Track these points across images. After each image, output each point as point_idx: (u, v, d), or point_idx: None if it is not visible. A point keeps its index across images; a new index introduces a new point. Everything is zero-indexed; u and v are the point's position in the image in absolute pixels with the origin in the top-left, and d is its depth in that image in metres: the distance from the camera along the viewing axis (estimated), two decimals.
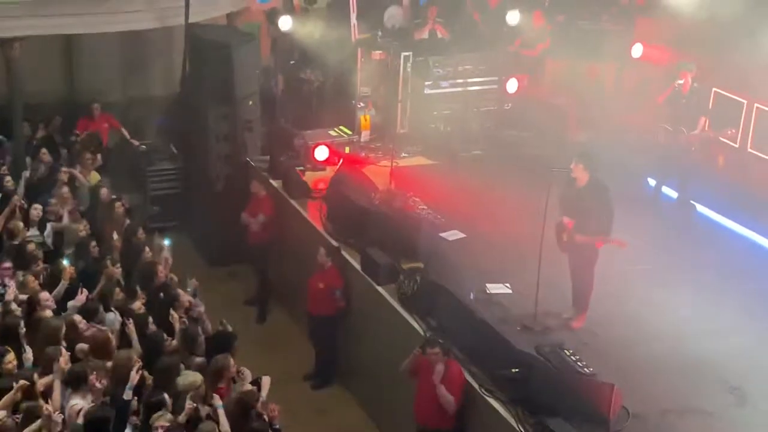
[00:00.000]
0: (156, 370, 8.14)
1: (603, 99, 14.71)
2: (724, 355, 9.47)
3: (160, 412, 7.56)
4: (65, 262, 9.96)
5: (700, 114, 12.43)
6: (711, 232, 12.21)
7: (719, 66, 13.26)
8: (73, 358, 8.21)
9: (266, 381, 8.40)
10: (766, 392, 8.96)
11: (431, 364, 8.77)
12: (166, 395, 7.73)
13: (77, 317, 8.81)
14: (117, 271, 10.04)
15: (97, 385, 7.72)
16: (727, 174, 12.98)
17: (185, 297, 9.62)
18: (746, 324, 10.01)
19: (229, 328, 9.11)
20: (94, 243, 10.52)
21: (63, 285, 9.59)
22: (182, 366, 8.33)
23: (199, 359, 8.63)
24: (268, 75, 15.38)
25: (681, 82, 12.36)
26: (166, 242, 10.89)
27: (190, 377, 8.02)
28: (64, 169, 12.46)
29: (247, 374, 8.45)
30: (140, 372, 7.75)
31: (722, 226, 12.36)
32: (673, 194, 12.86)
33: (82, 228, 10.72)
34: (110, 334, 8.59)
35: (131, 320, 8.85)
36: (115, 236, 10.75)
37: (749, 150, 12.92)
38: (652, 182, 13.11)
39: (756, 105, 12.76)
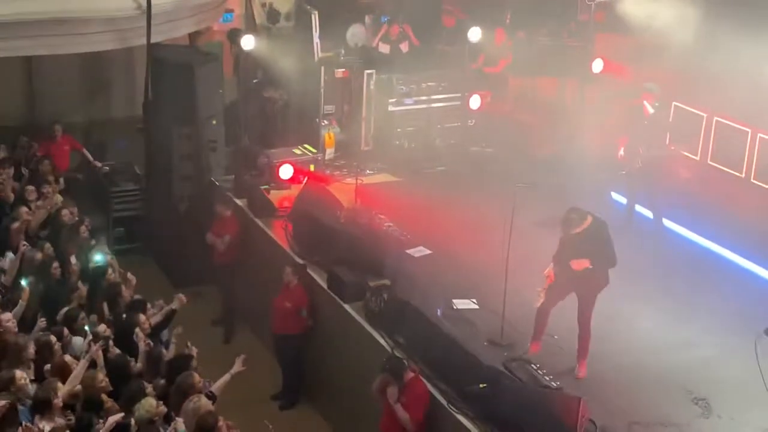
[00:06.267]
0: (124, 393, 8.05)
1: (565, 114, 14.83)
2: (689, 366, 9.56)
3: None
4: (24, 283, 9.86)
5: (661, 134, 12.50)
6: (674, 244, 12.31)
7: (679, 80, 13.42)
8: (42, 379, 8.14)
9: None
10: (730, 403, 9.04)
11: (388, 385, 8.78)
12: (132, 421, 7.64)
13: (53, 337, 8.71)
14: (84, 292, 9.97)
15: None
16: (688, 187, 13.11)
17: (143, 319, 9.55)
18: (710, 335, 10.10)
19: (194, 351, 9.03)
20: (56, 265, 10.41)
21: (21, 306, 9.49)
22: (149, 387, 8.25)
23: (161, 381, 8.57)
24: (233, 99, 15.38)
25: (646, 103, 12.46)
26: (98, 257, 10.73)
27: (145, 404, 7.89)
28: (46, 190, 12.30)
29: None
30: (118, 420, 7.62)
31: (684, 238, 12.47)
32: (643, 210, 12.93)
33: (41, 255, 10.57)
34: (69, 358, 8.50)
35: (97, 343, 8.75)
36: (74, 260, 10.64)
37: (709, 162, 13.07)
38: (616, 197, 13.21)
39: (715, 118, 12.92)
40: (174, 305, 9.84)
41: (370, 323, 10.07)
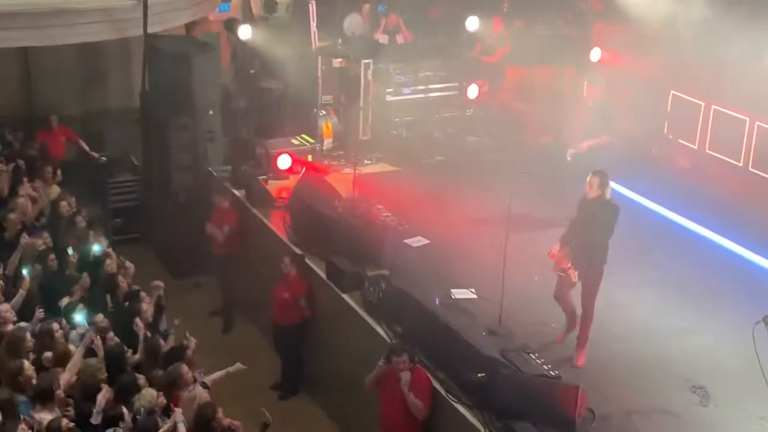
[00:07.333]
0: (116, 385, 8.06)
1: (562, 104, 14.81)
2: (687, 354, 9.57)
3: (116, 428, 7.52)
4: (24, 272, 9.86)
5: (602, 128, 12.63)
6: (670, 232, 12.32)
7: (676, 68, 13.42)
8: (40, 367, 8.15)
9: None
10: (728, 391, 9.05)
11: (397, 373, 8.73)
12: (125, 409, 7.65)
13: (55, 325, 8.72)
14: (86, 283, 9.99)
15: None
16: (686, 175, 13.12)
17: (145, 308, 9.56)
18: (707, 323, 10.11)
19: (192, 342, 9.03)
20: (53, 256, 10.41)
21: (21, 295, 9.50)
22: (144, 379, 8.26)
23: (159, 372, 8.58)
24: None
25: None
26: (95, 248, 10.76)
27: (146, 394, 7.92)
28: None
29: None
30: (108, 396, 7.65)
31: (681, 226, 12.48)
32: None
33: (41, 243, 10.59)
34: (72, 347, 8.51)
35: (93, 331, 8.77)
36: (71, 251, 10.64)
37: (707, 151, 13.08)
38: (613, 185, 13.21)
39: (713, 107, 12.92)
40: (159, 291, 9.86)
41: (369, 313, 10.07)
